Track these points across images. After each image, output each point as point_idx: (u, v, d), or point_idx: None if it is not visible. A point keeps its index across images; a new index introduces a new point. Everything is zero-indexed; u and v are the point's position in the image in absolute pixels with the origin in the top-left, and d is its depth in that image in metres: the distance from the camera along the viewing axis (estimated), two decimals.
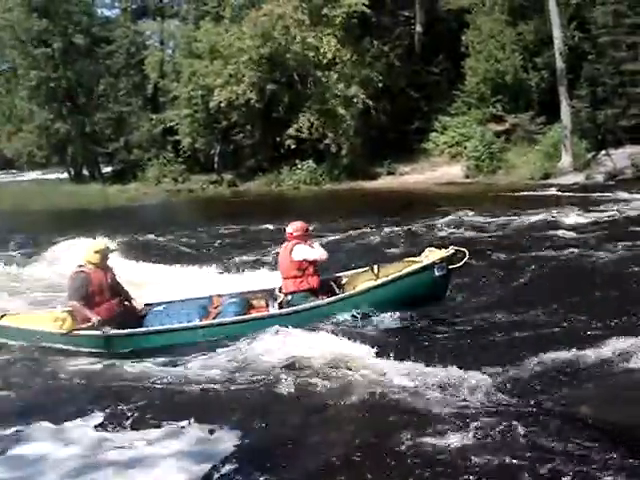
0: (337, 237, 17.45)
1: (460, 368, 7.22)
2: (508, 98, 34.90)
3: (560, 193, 25.72)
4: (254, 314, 9.31)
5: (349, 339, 8.12)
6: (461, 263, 9.20)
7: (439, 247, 9.75)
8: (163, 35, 45.43)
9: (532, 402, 6.56)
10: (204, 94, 36.91)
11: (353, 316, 8.82)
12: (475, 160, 33.03)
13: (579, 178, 29.13)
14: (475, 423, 6.08)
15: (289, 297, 9.32)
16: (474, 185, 31.16)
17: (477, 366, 7.31)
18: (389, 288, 9.08)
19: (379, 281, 9.33)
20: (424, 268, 9.17)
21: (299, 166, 36.24)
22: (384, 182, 34.56)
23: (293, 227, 9.50)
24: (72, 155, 47.05)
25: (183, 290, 10.52)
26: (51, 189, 43.59)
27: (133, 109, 45.45)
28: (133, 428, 6.54)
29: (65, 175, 49.82)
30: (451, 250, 9.30)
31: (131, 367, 8.22)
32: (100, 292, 8.78)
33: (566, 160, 30.87)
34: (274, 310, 9.38)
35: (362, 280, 9.71)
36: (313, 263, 9.32)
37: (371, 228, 18.31)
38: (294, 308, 9.07)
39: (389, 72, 36.73)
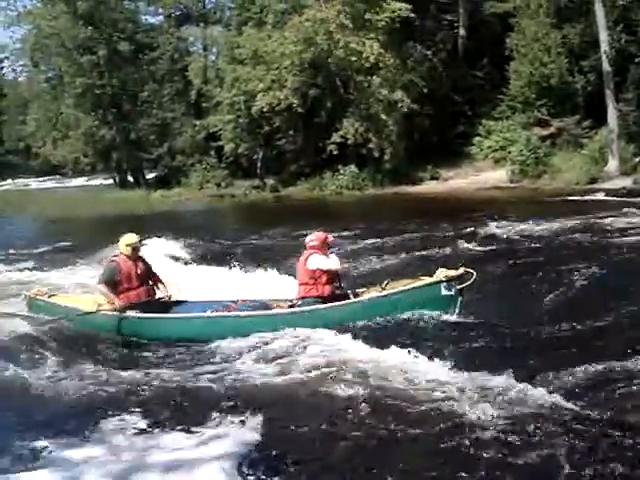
0: (377, 243, 17.35)
1: (489, 373, 7.14)
2: (553, 102, 34.47)
3: (607, 198, 25.25)
4: (258, 312, 9.66)
5: (363, 340, 8.31)
6: (468, 283, 9.27)
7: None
8: (206, 41, 45.86)
9: (568, 409, 6.39)
10: (247, 99, 37.07)
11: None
12: (520, 164, 32.66)
13: (626, 182, 28.59)
14: (508, 430, 5.97)
15: (299, 302, 9.62)
16: (519, 190, 30.81)
17: (507, 371, 7.15)
18: (395, 300, 9.26)
19: (382, 292, 9.46)
20: (430, 285, 9.34)
21: (341, 171, 36.18)
22: (428, 187, 34.35)
23: (312, 237, 9.81)
24: (117, 161, 47.61)
25: (217, 291, 10.86)
26: (96, 195, 44.18)
27: (176, 115, 45.92)
28: (158, 428, 6.56)
29: (110, 181, 50.48)
30: (460, 270, 9.39)
31: (144, 362, 8.66)
32: (128, 280, 9.70)
33: (613, 164, 30.39)
34: (276, 310, 9.72)
35: (370, 293, 9.79)
36: (327, 272, 9.57)
37: (413, 234, 18.17)
38: (292, 310, 9.49)
39: (432, 76, 36.57)
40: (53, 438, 6.31)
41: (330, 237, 10.00)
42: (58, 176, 65.87)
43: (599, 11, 30.95)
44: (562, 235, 16.73)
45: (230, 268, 13.30)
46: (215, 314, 9.63)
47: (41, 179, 70.75)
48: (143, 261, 10.03)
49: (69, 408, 7.16)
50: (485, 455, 5.62)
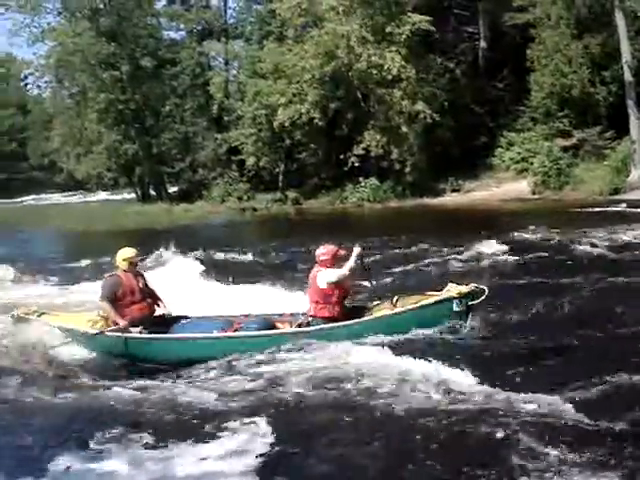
0: (397, 255, 17.34)
1: (505, 385, 7.13)
2: (575, 113, 34.35)
3: (630, 209, 25.01)
4: (262, 332, 9.40)
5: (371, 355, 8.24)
6: (481, 299, 9.12)
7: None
8: (227, 56, 46.12)
9: (583, 423, 6.33)
10: (268, 113, 37.30)
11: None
12: (542, 176, 32.57)
13: None
14: (521, 442, 5.92)
15: (309, 319, 9.37)
16: (541, 201, 30.70)
17: (523, 383, 7.20)
18: (404, 318, 9.09)
19: (395, 310, 9.29)
20: (442, 301, 9.15)
21: (362, 183, 36.23)
22: (449, 199, 34.31)
23: (323, 251, 9.43)
24: (139, 175, 47.84)
25: (230, 306, 10.60)
26: (119, 209, 44.37)
27: (198, 129, 46.20)
28: (166, 442, 6.54)
29: (132, 195, 50.68)
30: (471, 287, 9.25)
31: (146, 381, 8.46)
32: (131, 293, 9.45)
33: (636, 175, 30.22)
34: (285, 329, 9.51)
35: (380, 309, 9.61)
36: (339, 289, 9.29)
37: (433, 246, 18.03)
38: (302, 329, 9.22)
39: (453, 88, 36.59)
40: (60, 456, 6.28)
41: (342, 250, 9.55)
42: (82, 191, 66.32)
43: (620, 21, 30.84)
44: (583, 246, 16.58)
45: (252, 283, 13.25)
46: (223, 334, 9.31)
47: (65, 194, 71.29)
48: (142, 276, 9.86)
49: (73, 424, 7.14)
50: (498, 465, 5.61)
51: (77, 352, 9.53)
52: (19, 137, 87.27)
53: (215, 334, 9.35)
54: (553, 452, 5.73)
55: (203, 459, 6.13)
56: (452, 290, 9.20)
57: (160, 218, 35.61)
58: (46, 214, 45.93)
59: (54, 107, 55.03)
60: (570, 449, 5.76)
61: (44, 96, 62.94)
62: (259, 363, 8.55)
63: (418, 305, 9.19)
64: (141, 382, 8.38)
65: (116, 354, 9.32)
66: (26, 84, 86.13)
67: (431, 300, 9.22)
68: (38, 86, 56.35)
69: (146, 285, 9.79)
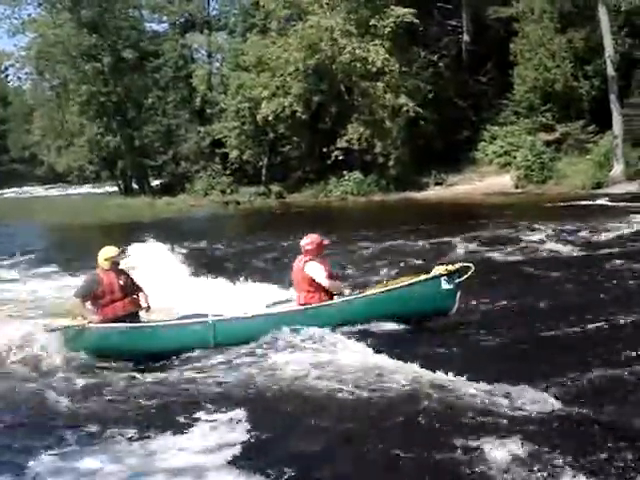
0: (381, 248, 17.33)
1: (492, 378, 7.07)
2: (558, 107, 34.42)
3: (612, 203, 25.16)
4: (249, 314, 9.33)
5: (362, 343, 8.29)
6: (467, 275, 9.27)
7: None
8: (210, 48, 45.93)
9: (574, 413, 6.33)
10: (251, 106, 37.21)
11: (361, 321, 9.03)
12: (525, 170, 32.64)
13: (632, 187, 28.49)
14: (507, 434, 5.91)
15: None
16: (524, 195, 30.80)
17: (511, 375, 7.14)
18: (394, 295, 9.25)
19: (384, 288, 9.46)
20: (431, 279, 9.34)
21: (346, 177, 36.18)
22: (433, 192, 34.34)
23: (308, 240, 9.52)
24: (122, 168, 47.64)
25: (217, 302, 10.48)
26: (101, 202, 44.17)
27: (181, 122, 46.07)
28: (156, 435, 6.52)
29: (115, 188, 50.47)
30: (458, 265, 9.46)
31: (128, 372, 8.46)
32: (111, 292, 9.25)
33: (618, 169, 30.31)
34: (281, 309, 9.55)
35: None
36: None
37: (417, 239, 18.09)
38: (294, 309, 9.33)
39: (436, 82, 36.56)
40: (39, 454, 6.22)
41: (326, 240, 9.73)
42: (63, 184, 66.00)
43: (603, 16, 30.89)
44: (565, 240, 16.69)
45: (233, 277, 13.13)
46: (217, 318, 9.19)
47: (46, 187, 70.93)
48: (125, 273, 9.63)
49: (66, 420, 7.07)
50: (488, 460, 5.55)
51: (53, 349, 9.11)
52: None
53: (206, 319, 9.19)
54: (538, 447, 5.71)
55: (183, 450, 6.13)
56: (439, 269, 9.41)
57: (143, 211, 35.46)
58: (29, 208, 45.67)
59: (35, 99, 54.88)
60: (555, 444, 5.73)
61: (24, 88, 62.62)
62: (244, 354, 8.52)
63: (408, 282, 9.36)
64: (121, 375, 8.34)
65: (95, 348, 9.07)
66: (6, 76, 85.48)
67: (421, 277, 9.42)
68: (19, 78, 55.76)
69: (131, 282, 9.60)
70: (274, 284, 11.94)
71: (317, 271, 9.30)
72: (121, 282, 9.38)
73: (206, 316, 9.27)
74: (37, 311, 11.07)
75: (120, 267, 9.61)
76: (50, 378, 8.30)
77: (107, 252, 9.45)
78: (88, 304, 9.29)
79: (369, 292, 9.48)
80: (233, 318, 9.26)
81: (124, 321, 9.25)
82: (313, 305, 9.21)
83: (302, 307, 9.26)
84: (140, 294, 9.67)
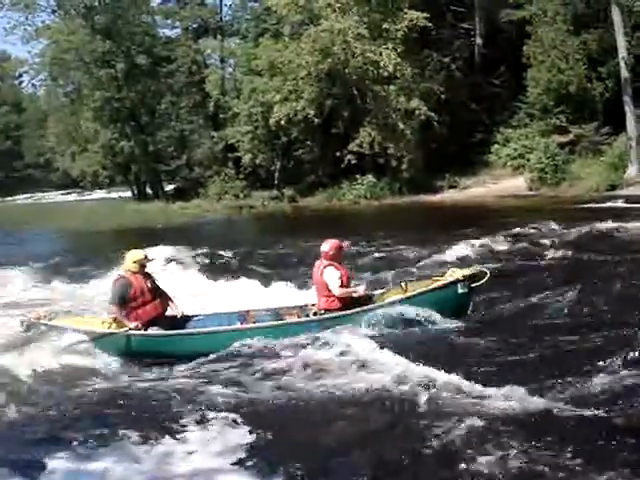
0: (394, 251, 17.35)
1: (500, 382, 7.04)
2: (572, 109, 34.32)
3: (626, 205, 25.01)
4: (272, 322, 9.58)
5: (380, 347, 8.22)
6: (483, 281, 9.48)
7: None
8: (223, 53, 46.11)
9: (581, 418, 6.29)
10: (264, 111, 37.28)
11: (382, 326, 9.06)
12: (538, 172, 32.54)
13: None
14: (513, 437, 5.92)
15: (322, 312, 9.49)
16: (538, 197, 30.68)
17: (521, 381, 7.07)
18: (415, 301, 9.30)
19: (407, 294, 9.51)
20: (449, 284, 9.47)
21: (359, 181, 36.20)
22: (446, 195, 34.31)
23: (327, 246, 9.56)
24: (136, 174, 47.87)
25: (232, 303, 10.67)
26: (116, 208, 44.35)
27: (194, 127, 46.29)
28: (166, 438, 6.55)
29: (129, 194, 50.67)
30: (474, 269, 9.70)
31: (156, 375, 8.60)
32: (142, 294, 9.37)
33: (632, 171, 30.23)
34: (299, 319, 9.66)
35: (392, 295, 9.81)
36: (344, 281, 9.48)
37: (430, 243, 18.01)
38: (319, 317, 9.38)
39: (449, 85, 36.50)
40: (64, 450, 6.29)
41: (345, 244, 9.86)
42: (78, 189, 66.30)
43: (616, 17, 30.81)
44: (580, 243, 16.59)
45: (248, 279, 13.25)
46: (245, 326, 9.43)
47: (61, 192, 71.28)
48: (151, 277, 9.74)
49: (78, 423, 7.10)
50: (492, 463, 5.56)
51: (89, 354, 9.28)
52: (14, 135, 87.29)
53: (237, 326, 9.49)
54: (541, 449, 5.71)
55: (193, 453, 6.18)
56: (456, 273, 9.53)
57: (157, 216, 35.54)
58: (46, 213, 45.93)
59: (49, 105, 55.18)
60: (558, 446, 5.73)
61: (39, 94, 63.06)
62: (264, 356, 8.59)
63: (430, 287, 9.49)
64: (135, 378, 8.45)
65: (134, 353, 9.23)
66: (21, 82, 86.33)
67: (440, 283, 9.53)
68: (33, 84, 56.27)
69: (156, 286, 9.70)
70: (298, 288, 12.05)
71: (332, 278, 9.34)
72: (149, 284, 9.50)
73: (235, 315, 9.73)
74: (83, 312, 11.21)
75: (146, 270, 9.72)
76: (78, 382, 8.37)
77: (135, 255, 9.57)
78: (122, 310, 9.33)
79: (387, 300, 9.50)
80: (263, 325, 9.42)
81: (156, 323, 9.41)
82: (333, 315, 9.28)
83: (323, 317, 9.33)
84: (166, 298, 9.77)
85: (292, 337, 8.88)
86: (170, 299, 9.83)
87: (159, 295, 9.65)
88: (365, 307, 9.35)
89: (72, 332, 9.52)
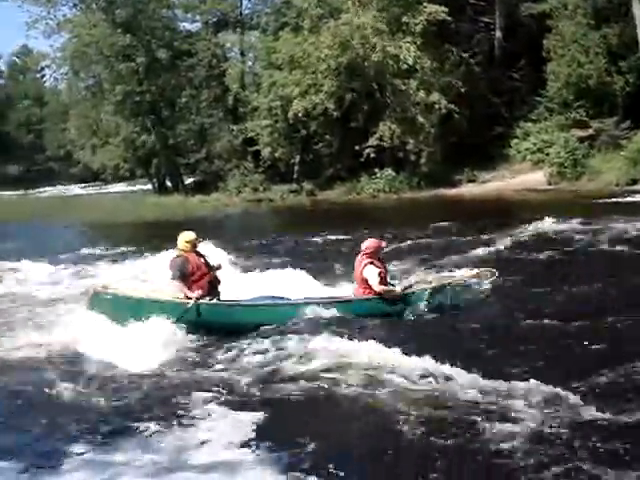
0: (412, 245, 17.47)
1: (510, 376, 7.24)
2: (592, 103, 34.13)
3: None
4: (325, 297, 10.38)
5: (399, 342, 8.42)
6: (490, 280, 10.19)
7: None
8: (243, 47, 46.15)
9: (590, 414, 6.41)
10: (283, 104, 37.33)
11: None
12: (558, 166, 32.46)
13: None
14: (522, 432, 6.03)
15: None
16: (557, 192, 30.60)
17: (530, 374, 7.21)
18: (442, 293, 10.04)
19: (433, 284, 10.22)
20: (462, 281, 10.36)
21: (378, 174, 36.22)
22: (465, 189, 34.28)
23: (367, 244, 10.23)
24: (156, 167, 48.06)
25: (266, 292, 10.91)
26: (136, 201, 44.66)
27: (214, 120, 46.35)
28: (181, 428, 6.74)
29: (149, 187, 50.90)
30: (482, 270, 10.46)
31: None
32: (199, 269, 10.19)
33: None
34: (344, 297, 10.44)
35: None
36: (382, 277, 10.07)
37: (449, 237, 18.16)
38: (363, 297, 10.07)
39: (469, 79, 36.42)
40: (81, 442, 6.48)
41: (384, 243, 10.57)
42: (99, 182, 66.61)
43: (637, 11, 30.69)
44: (599, 237, 16.57)
45: (277, 269, 13.64)
46: (303, 300, 10.08)
47: (82, 185, 71.59)
48: (202, 255, 10.51)
49: (96, 414, 7.29)
50: (499, 460, 5.66)
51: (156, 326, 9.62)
52: (36, 129, 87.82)
53: (301, 299, 10.15)
54: (552, 443, 5.81)
55: (206, 443, 6.36)
56: (466, 273, 10.48)
57: (177, 210, 35.69)
58: (68, 206, 46.12)
59: (70, 99, 55.39)
60: (565, 445, 5.82)
61: (60, 88, 63.35)
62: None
63: (454, 282, 10.29)
64: (153, 368, 8.65)
65: (205, 323, 9.85)
66: (42, 76, 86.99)
67: (451, 280, 10.35)
68: (55, 78, 56.62)
69: (208, 262, 10.49)
70: (317, 279, 12.41)
71: (372, 276, 9.91)
72: (203, 260, 10.37)
73: (282, 299, 10.30)
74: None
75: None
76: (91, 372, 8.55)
77: (187, 236, 10.33)
78: (184, 284, 10.00)
79: (422, 286, 10.21)
80: (316, 300, 10.05)
81: (216, 295, 10.28)
82: (361, 297, 10.08)
83: (368, 297, 9.99)
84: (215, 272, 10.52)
85: (356, 314, 9.66)
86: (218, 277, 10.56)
87: (212, 270, 10.45)
88: (404, 291, 10.13)
89: (139, 302, 10.06)
